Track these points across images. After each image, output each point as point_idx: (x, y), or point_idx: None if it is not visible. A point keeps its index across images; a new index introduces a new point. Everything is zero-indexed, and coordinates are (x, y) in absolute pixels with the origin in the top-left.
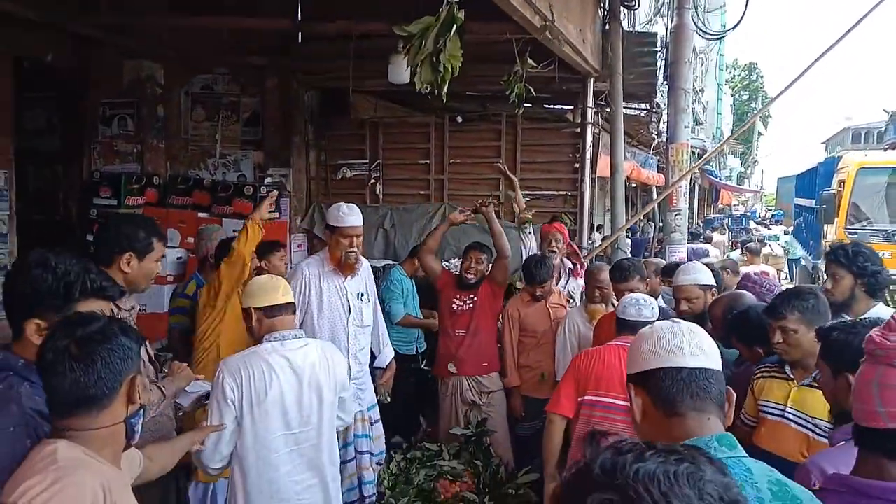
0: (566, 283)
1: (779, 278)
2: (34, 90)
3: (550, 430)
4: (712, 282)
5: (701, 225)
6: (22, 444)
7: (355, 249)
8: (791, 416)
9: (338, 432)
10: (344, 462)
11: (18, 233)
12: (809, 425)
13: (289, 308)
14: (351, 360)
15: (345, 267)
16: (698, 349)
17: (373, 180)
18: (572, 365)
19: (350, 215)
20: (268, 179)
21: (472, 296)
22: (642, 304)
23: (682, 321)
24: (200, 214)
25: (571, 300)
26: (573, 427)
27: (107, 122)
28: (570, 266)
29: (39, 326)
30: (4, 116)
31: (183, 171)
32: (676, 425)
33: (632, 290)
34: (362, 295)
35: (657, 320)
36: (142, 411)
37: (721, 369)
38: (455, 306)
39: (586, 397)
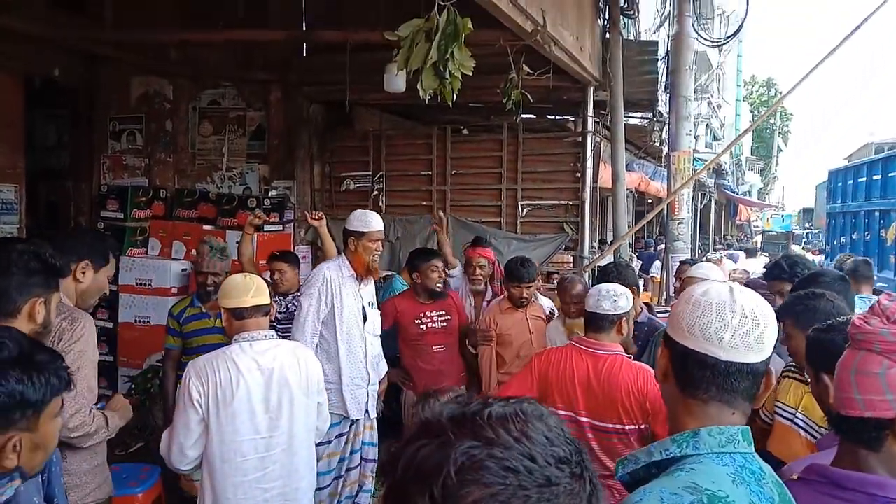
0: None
1: None
2: (45, 107)
3: None
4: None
5: (724, 242)
6: None
7: (379, 254)
8: (800, 423)
9: (344, 438)
10: (349, 469)
11: None
12: (816, 434)
13: (260, 310)
14: (369, 368)
15: (371, 272)
16: (742, 341)
17: (375, 192)
18: (529, 364)
19: (376, 219)
20: (272, 192)
21: (442, 311)
22: (615, 295)
23: (746, 291)
24: (205, 227)
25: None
26: None
27: (116, 137)
28: (492, 294)
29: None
30: (16, 133)
31: (190, 185)
32: (695, 408)
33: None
34: (372, 304)
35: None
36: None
37: (767, 359)
38: (425, 324)
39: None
